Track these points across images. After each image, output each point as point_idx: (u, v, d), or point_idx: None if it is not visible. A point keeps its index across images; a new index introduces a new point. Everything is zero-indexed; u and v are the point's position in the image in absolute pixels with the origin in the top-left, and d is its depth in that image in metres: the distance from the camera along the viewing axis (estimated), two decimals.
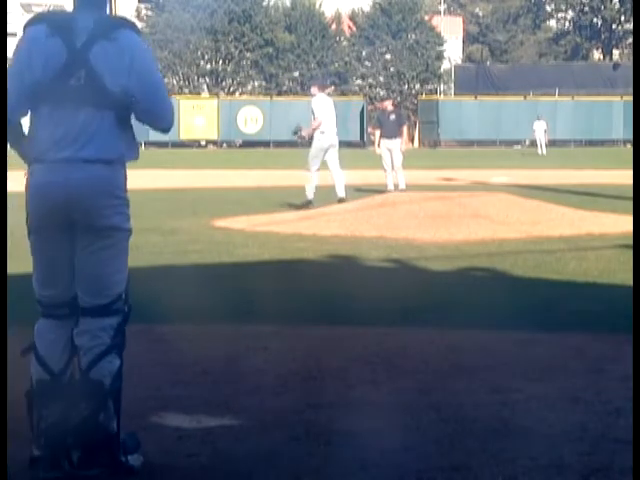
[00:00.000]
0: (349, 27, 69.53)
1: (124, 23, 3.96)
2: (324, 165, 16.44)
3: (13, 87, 3.90)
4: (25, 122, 4.03)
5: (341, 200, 15.99)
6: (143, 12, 64.90)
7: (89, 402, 3.87)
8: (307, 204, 15.97)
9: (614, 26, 78.39)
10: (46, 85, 3.85)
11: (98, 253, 3.91)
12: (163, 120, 4.03)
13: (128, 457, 3.97)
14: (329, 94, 18.50)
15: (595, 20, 78.91)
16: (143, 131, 4.79)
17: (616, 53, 79.43)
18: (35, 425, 3.93)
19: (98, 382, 3.88)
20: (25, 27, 3.95)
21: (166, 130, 4.05)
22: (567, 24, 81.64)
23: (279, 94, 61.86)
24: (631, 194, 14.01)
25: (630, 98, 48.05)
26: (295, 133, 17.02)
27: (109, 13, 4.06)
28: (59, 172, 3.85)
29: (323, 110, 16.28)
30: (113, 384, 3.91)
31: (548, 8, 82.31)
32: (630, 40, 72.49)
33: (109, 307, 3.94)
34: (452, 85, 69.51)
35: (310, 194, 16.13)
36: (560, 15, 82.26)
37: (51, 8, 61.36)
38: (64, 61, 3.84)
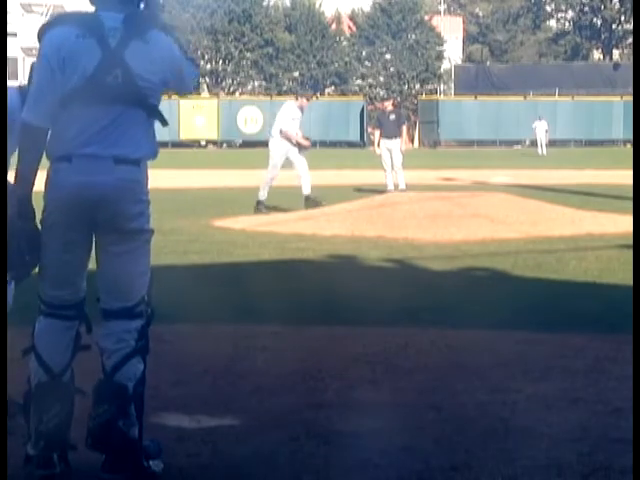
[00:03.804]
0: (349, 27, 69.53)
1: (153, 24, 3.93)
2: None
3: (45, 92, 3.82)
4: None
5: None
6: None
7: (111, 405, 3.82)
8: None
9: (614, 26, 78.33)
10: (81, 84, 3.80)
11: (123, 255, 3.88)
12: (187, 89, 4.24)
13: (150, 462, 3.96)
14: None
15: (595, 20, 78.86)
16: None
17: (616, 53, 79.37)
18: (33, 427, 3.89)
19: (122, 386, 3.84)
20: (45, 31, 3.86)
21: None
22: (567, 24, 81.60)
23: (279, 94, 61.84)
24: (631, 194, 14.01)
25: (630, 98, 48.06)
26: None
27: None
28: (87, 172, 3.80)
29: None
30: (136, 388, 3.87)
31: (548, 8, 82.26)
32: (630, 40, 72.47)
33: (133, 309, 3.90)
34: (452, 85, 69.48)
35: None
36: (560, 15, 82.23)
37: (51, 8, 61.40)
38: (99, 59, 3.81)
